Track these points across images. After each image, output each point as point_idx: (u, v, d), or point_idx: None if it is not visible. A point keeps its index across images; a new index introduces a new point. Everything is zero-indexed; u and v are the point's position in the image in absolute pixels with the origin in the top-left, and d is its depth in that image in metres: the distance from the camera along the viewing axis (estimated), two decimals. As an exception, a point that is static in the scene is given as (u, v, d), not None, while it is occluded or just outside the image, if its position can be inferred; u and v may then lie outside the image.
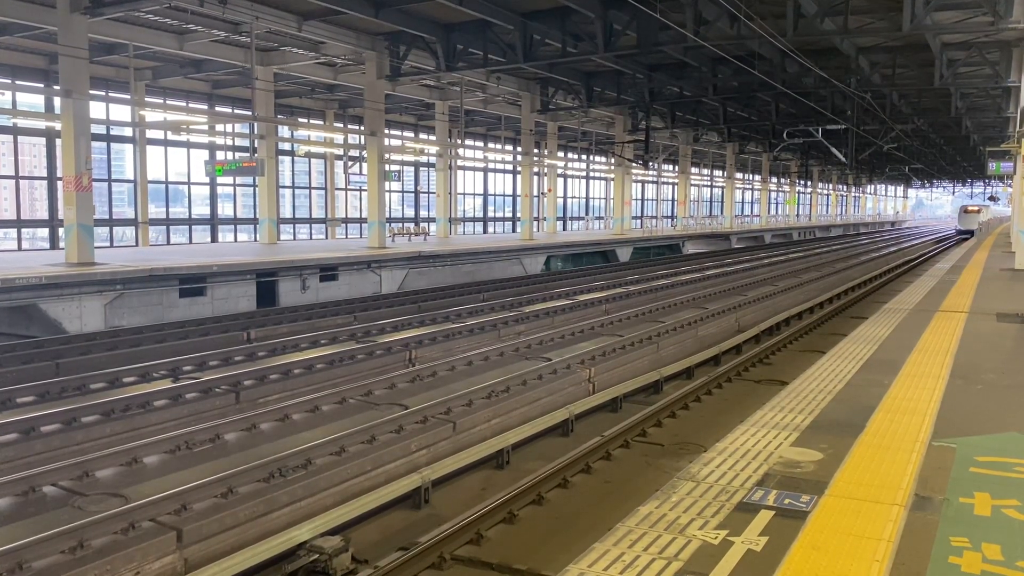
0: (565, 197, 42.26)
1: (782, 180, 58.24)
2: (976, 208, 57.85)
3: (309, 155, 30.38)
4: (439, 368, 10.17)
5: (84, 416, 7.71)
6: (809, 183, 60.26)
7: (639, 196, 48.17)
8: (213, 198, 27.01)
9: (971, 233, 50.24)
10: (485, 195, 39.09)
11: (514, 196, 38.83)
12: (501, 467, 7.36)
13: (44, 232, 22.26)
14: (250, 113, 20.01)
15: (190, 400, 8.55)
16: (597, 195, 46.28)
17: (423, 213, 36.11)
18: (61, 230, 19.13)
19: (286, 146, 27.91)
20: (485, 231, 38.81)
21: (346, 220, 32.51)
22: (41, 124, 21.07)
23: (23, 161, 21.65)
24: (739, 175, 54.22)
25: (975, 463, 4.62)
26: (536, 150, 29.38)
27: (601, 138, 37.05)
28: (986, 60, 20.14)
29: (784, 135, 30.59)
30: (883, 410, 5.74)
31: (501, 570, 5.33)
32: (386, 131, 24.38)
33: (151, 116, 21.16)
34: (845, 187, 73.35)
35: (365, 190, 26.65)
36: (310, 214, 31.33)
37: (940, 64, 19.40)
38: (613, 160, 34.10)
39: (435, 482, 6.61)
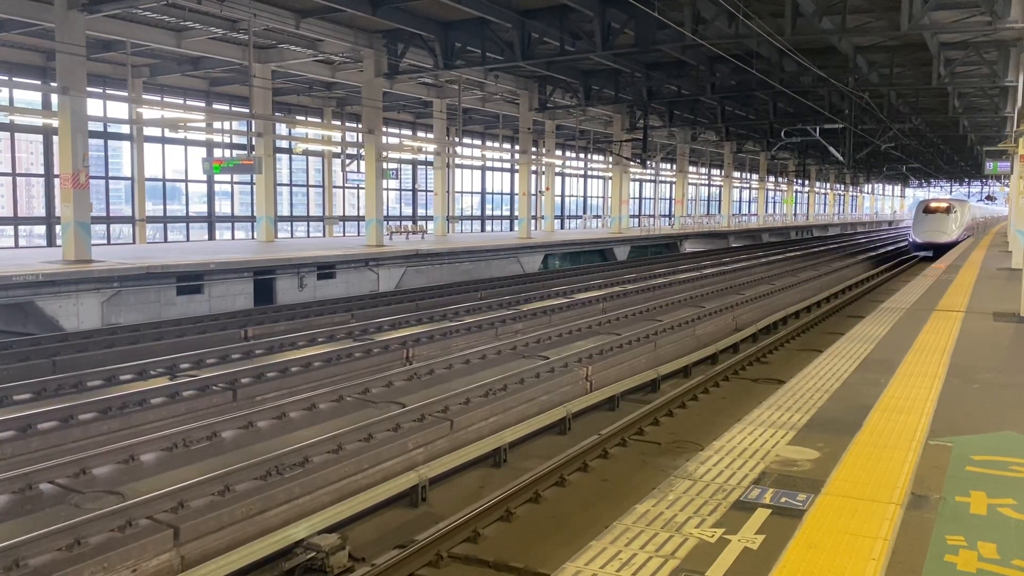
0: (563, 196, 42.22)
1: (780, 179, 58.26)
2: (945, 205, 33.40)
3: (307, 153, 30.33)
4: (436, 366, 10.18)
5: (81, 413, 7.71)
6: (807, 182, 60.28)
7: (637, 195, 48.21)
8: (210, 196, 26.96)
9: (935, 250, 31.22)
10: (483, 193, 39.05)
11: (512, 194, 38.78)
12: (498, 465, 7.36)
13: (41, 229, 22.21)
14: (248, 111, 20.02)
15: (187, 398, 8.55)
16: (595, 194, 46.26)
17: (421, 211, 36.08)
18: (58, 227, 19.09)
19: (284, 144, 27.86)
20: (483, 229, 38.76)
21: (344, 218, 32.46)
22: (38, 121, 21.01)
23: (20, 158, 21.60)
24: (737, 174, 54.24)
25: (971, 462, 4.63)
26: (534, 148, 29.32)
27: (599, 136, 37.01)
28: (984, 60, 20.15)
29: (782, 134, 30.55)
30: (880, 409, 5.75)
31: (498, 568, 5.33)
32: (384, 129, 24.37)
33: (148, 113, 21.09)
34: (843, 186, 73.42)
35: (363, 188, 26.63)
36: (308, 212, 31.28)
37: (938, 63, 19.41)
38: (611, 159, 34.09)
39: (432, 480, 6.60)
